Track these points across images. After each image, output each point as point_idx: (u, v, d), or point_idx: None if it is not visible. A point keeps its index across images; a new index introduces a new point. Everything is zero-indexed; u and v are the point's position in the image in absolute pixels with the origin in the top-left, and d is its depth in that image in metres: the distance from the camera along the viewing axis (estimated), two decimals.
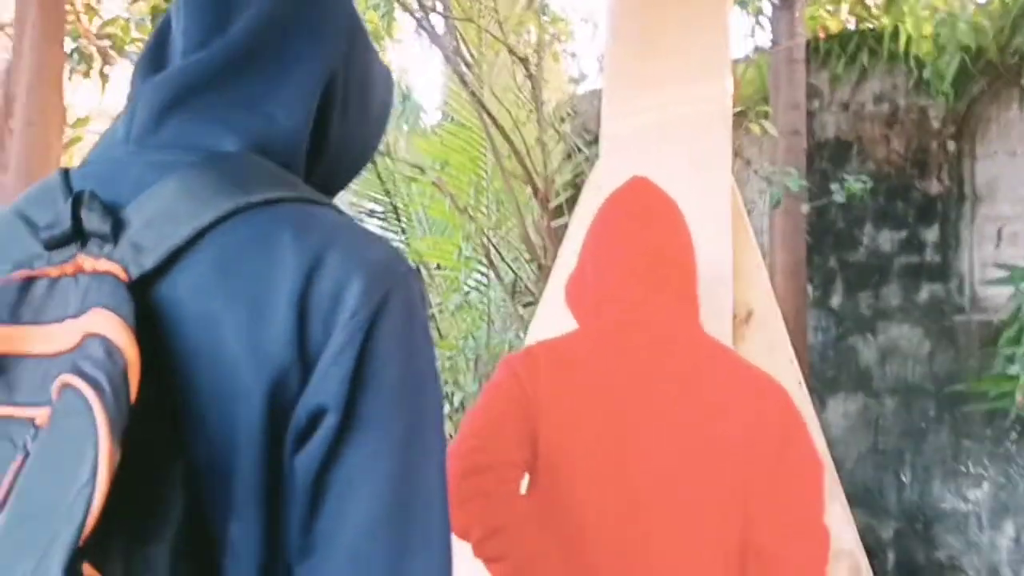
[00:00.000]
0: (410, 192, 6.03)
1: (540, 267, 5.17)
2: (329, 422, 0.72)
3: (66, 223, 0.73)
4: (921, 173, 4.95)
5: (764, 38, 5.05)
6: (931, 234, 4.91)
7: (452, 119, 6.18)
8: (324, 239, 0.76)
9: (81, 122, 3.79)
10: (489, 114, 4.95)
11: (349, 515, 0.73)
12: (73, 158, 3.60)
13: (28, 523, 0.61)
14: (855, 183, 4.19)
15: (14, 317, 0.70)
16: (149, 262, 0.72)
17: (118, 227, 0.74)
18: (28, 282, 0.72)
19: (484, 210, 5.81)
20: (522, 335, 5.01)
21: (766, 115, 4.55)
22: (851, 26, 5.00)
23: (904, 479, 4.90)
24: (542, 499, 1.51)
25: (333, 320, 0.73)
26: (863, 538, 4.74)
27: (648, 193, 1.75)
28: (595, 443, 1.50)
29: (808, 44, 5.01)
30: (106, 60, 4.09)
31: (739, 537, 1.48)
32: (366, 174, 5.79)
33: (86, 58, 4.01)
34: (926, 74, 4.70)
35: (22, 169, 2.76)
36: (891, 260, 5.05)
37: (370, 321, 0.74)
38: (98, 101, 4.31)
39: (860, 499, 4.97)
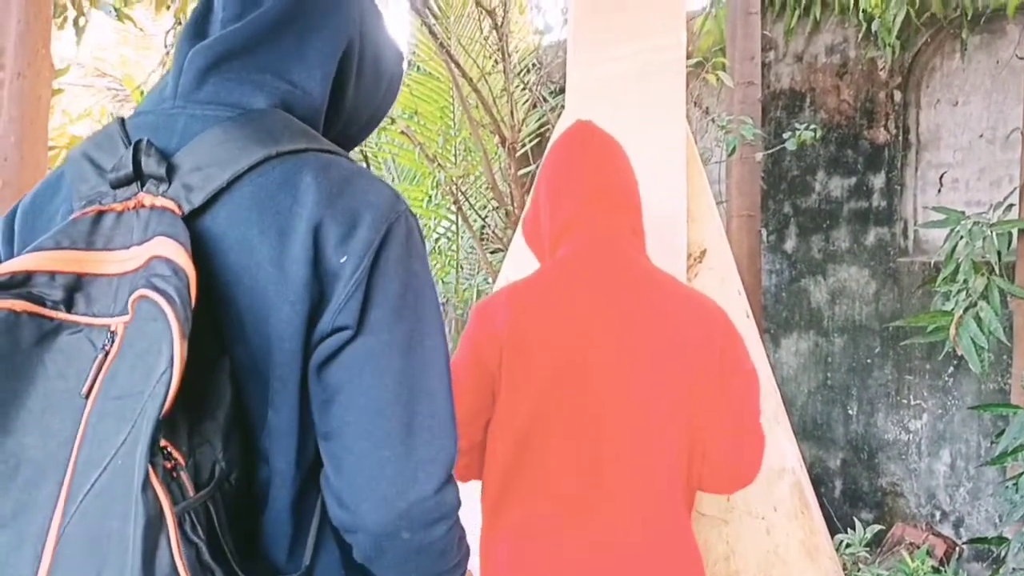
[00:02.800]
0: (379, 141, 6.04)
1: (507, 214, 5.27)
2: (345, 335, 0.89)
3: (128, 166, 0.89)
4: (869, 122, 5.09)
5: None
6: (878, 180, 5.06)
7: (420, 69, 6.17)
8: (339, 182, 0.92)
9: (59, 72, 3.79)
10: (457, 65, 5.00)
11: (359, 401, 0.89)
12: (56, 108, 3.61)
13: (120, 402, 0.77)
14: (805, 132, 4.29)
15: (89, 244, 0.86)
16: (198, 199, 0.89)
17: (171, 170, 0.90)
18: (99, 216, 0.88)
19: (452, 159, 5.87)
20: (491, 280, 5.11)
21: (723, 66, 4.61)
22: None
23: (851, 412, 5.12)
24: (500, 418, 1.61)
25: (346, 247, 0.89)
26: (813, 468, 4.98)
27: (592, 135, 1.80)
28: (552, 363, 1.59)
29: None
30: (80, 11, 4.06)
31: (685, 441, 1.60)
32: None
33: (60, 8, 3.99)
34: (875, 27, 4.82)
35: (13, 119, 2.82)
36: (841, 206, 5.21)
37: (377, 248, 0.91)
38: (74, 52, 4.31)
39: (810, 432, 5.20)
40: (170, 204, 0.87)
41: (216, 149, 0.91)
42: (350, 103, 1.08)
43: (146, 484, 0.73)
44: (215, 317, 0.87)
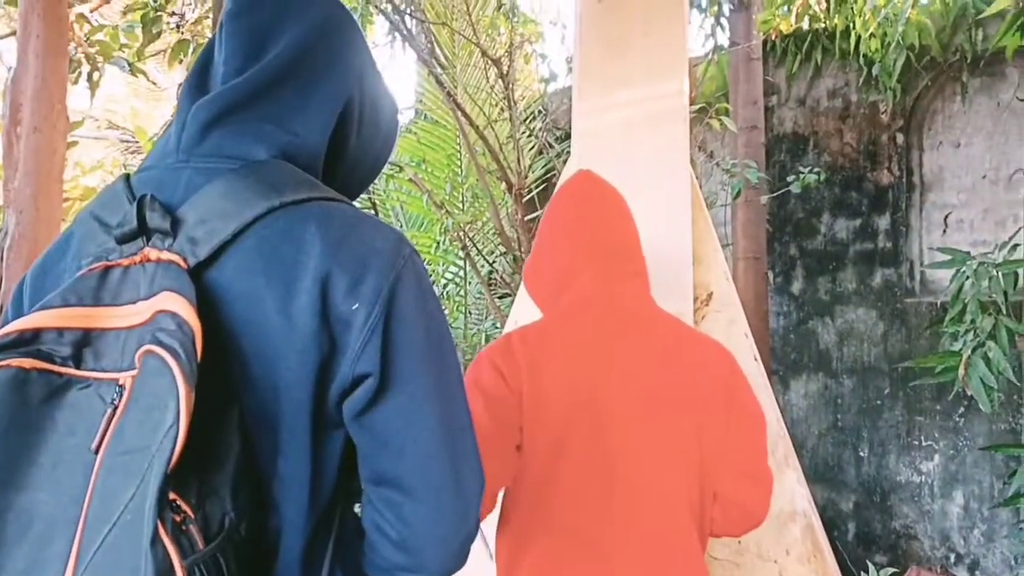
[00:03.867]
0: (387, 189, 6.09)
1: (515, 259, 5.28)
2: (372, 384, 0.91)
3: (133, 222, 0.91)
4: (873, 164, 5.11)
5: (724, 38, 5.19)
6: (883, 222, 5.07)
7: (427, 118, 6.23)
8: (343, 229, 0.94)
9: (74, 126, 3.84)
10: (463, 113, 5.05)
11: (411, 448, 0.92)
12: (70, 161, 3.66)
13: (127, 457, 0.78)
14: (809, 175, 4.33)
15: (97, 300, 0.87)
16: (203, 252, 0.90)
17: (176, 224, 0.91)
18: (106, 271, 0.89)
19: (460, 205, 5.91)
20: (499, 325, 5.12)
21: (726, 111, 4.66)
22: (805, 26, 5.13)
23: (862, 454, 5.09)
24: (524, 470, 1.61)
25: (356, 295, 0.91)
26: (825, 511, 4.93)
27: (594, 184, 1.82)
28: (568, 410, 1.60)
29: (765, 43, 5.16)
30: (94, 67, 4.15)
31: (697, 481, 1.61)
32: None
33: (75, 64, 4.05)
34: (875, 71, 4.87)
35: (29, 172, 2.86)
36: (846, 247, 5.22)
37: (389, 294, 0.93)
38: (88, 105, 4.37)
39: (821, 474, 5.16)
40: (176, 258, 0.88)
41: (220, 202, 0.92)
42: (352, 153, 1.10)
43: (155, 539, 0.73)
44: (223, 368, 0.88)
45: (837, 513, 5.14)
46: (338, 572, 0.96)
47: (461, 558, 0.95)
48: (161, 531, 0.74)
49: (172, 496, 0.78)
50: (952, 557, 4.73)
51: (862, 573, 3.86)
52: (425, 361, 0.94)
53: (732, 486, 1.64)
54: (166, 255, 0.89)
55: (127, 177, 1.01)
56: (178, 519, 0.78)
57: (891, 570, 3.94)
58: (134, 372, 0.81)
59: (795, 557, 2.42)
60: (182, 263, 0.88)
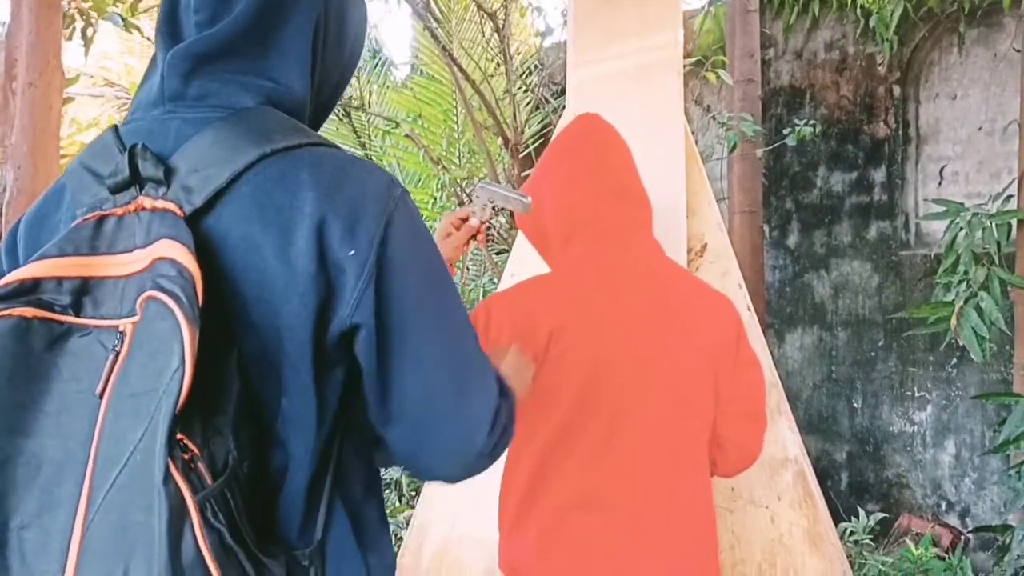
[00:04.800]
0: (384, 144, 6.08)
1: (511, 215, 5.30)
2: (370, 330, 0.94)
3: (125, 171, 0.92)
4: (869, 117, 5.11)
5: None
6: (879, 175, 5.09)
7: (423, 73, 6.20)
8: (335, 174, 0.95)
9: (69, 82, 3.83)
10: (459, 68, 5.04)
11: (412, 388, 0.96)
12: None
13: (135, 399, 0.80)
14: (805, 128, 4.33)
15: (93, 249, 0.88)
16: (198, 200, 0.91)
17: (169, 173, 0.92)
18: (100, 221, 0.90)
19: (456, 161, 5.90)
20: (496, 280, 5.14)
21: (723, 64, 4.65)
22: None
23: (855, 405, 5.15)
24: (539, 425, 1.56)
25: (352, 240, 0.93)
26: (819, 461, 5.00)
27: (598, 126, 1.78)
28: (590, 369, 1.56)
29: None
30: (88, 22, 4.09)
31: (711, 426, 1.64)
32: (341, 128, 5.85)
33: (68, 19, 3.99)
34: (872, 22, 4.85)
35: (25, 128, 2.86)
36: (842, 200, 5.23)
37: (381, 240, 0.94)
38: (82, 62, 4.35)
39: (816, 426, 5.23)
40: (171, 206, 0.89)
41: (211, 150, 0.93)
42: (318, 74, 1.08)
43: (167, 477, 0.75)
44: (223, 313, 0.90)
45: (831, 463, 5.21)
46: (337, 499, 0.99)
47: (472, 468, 1.01)
48: (172, 469, 0.76)
49: (179, 436, 0.80)
50: (943, 505, 4.81)
51: (852, 518, 3.93)
52: (422, 302, 0.96)
53: (734, 427, 1.68)
54: (161, 203, 0.90)
55: (116, 128, 1.02)
56: (187, 457, 0.80)
57: (881, 515, 4.01)
58: (135, 319, 0.83)
59: (787, 503, 2.46)
60: (178, 211, 0.89)
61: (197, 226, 0.90)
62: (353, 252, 0.92)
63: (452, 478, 1.02)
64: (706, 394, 1.63)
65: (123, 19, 4.05)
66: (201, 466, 0.81)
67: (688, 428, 1.62)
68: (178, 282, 0.82)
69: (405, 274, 0.95)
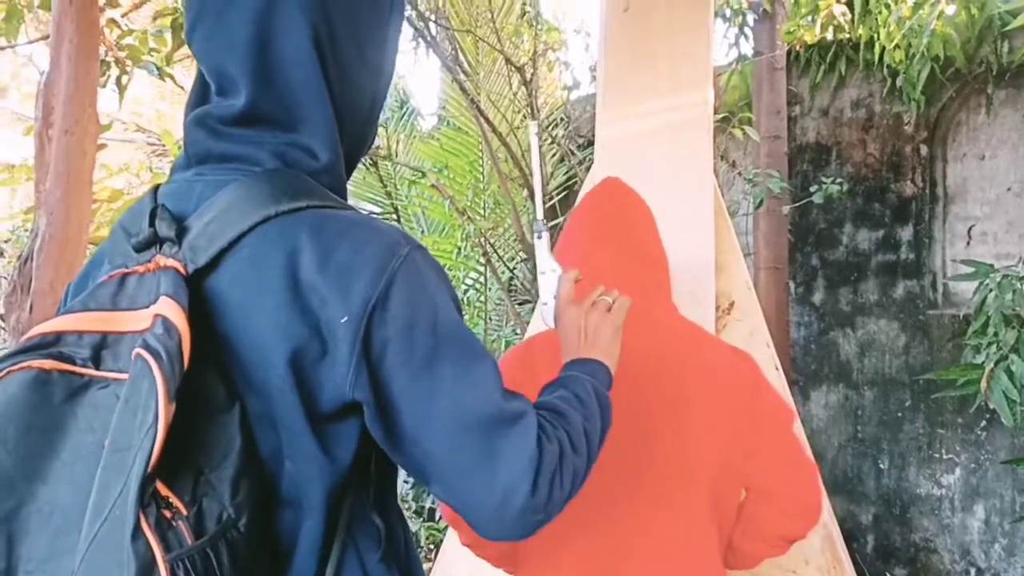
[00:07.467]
0: (410, 194, 6.13)
1: (535, 266, 5.29)
2: (373, 408, 0.93)
3: (147, 231, 0.97)
4: (896, 175, 5.09)
5: (747, 48, 5.20)
6: (906, 233, 5.05)
7: (450, 124, 6.27)
8: (333, 238, 0.96)
9: (103, 129, 3.88)
10: (486, 119, 5.09)
11: (432, 454, 0.94)
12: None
13: (118, 455, 0.82)
14: (832, 185, 4.33)
15: (114, 305, 0.92)
16: (202, 259, 0.94)
17: (181, 233, 0.96)
18: (123, 278, 0.94)
19: (481, 211, 5.93)
20: (519, 331, 5.14)
21: (749, 121, 4.69)
22: (829, 37, 5.13)
23: (882, 466, 5.06)
24: None
25: (345, 306, 0.93)
26: (845, 523, 4.90)
27: (620, 192, 1.83)
28: None
29: (789, 53, 5.15)
30: (123, 70, 4.17)
31: (719, 485, 1.62)
32: (368, 177, 5.91)
33: (104, 67, 4.06)
34: (899, 82, 4.86)
35: (60, 175, 2.87)
36: (869, 258, 5.20)
37: (380, 300, 0.94)
38: (115, 108, 4.41)
39: (841, 486, 5.14)
40: (176, 264, 0.93)
41: (222, 212, 0.96)
42: (341, 105, 1.07)
43: (136, 533, 0.76)
44: (226, 372, 0.92)
45: (856, 525, 5.11)
46: (351, 552, 0.99)
47: (525, 524, 0.96)
48: (144, 525, 0.77)
49: (165, 492, 0.81)
50: (972, 571, 4.69)
51: None
52: (428, 363, 0.94)
53: (778, 476, 1.64)
54: (170, 262, 0.93)
55: (155, 189, 1.06)
56: (168, 514, 0.81)
57: None
58: (127, 375, 0.85)
59: (814, 567, 2.41)
60: (181, 269, 0.92)
61: (201, 285, 0.94)
62: (346, 319, 0.92)
63: (510, 536, 0.98)
64: (719, 443, 1.61)
65: (157, 68, 4.12)
66: (183, 524, 0.81)
67: (699, 474, 1.61)
68: (163, 340, 0.84)
69: (406, 334, 0.94)
